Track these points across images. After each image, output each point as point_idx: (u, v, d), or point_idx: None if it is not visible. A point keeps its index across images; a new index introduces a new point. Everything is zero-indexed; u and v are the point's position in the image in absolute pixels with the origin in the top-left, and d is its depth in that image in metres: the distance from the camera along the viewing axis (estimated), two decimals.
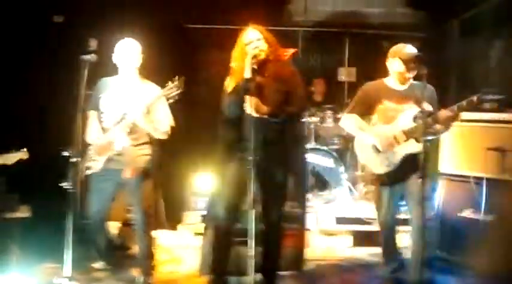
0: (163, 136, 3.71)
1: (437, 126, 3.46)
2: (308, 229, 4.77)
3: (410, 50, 3.53)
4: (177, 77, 3.45)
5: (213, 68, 3.65)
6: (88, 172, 3.70)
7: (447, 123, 3.45)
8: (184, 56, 5.55)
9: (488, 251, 3.72)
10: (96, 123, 3.72)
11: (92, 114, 3.77)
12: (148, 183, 3.72)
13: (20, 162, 3.69)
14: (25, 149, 3.68)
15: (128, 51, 3.66)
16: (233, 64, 3.49)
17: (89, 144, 3.71)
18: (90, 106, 3.78)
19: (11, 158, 3.62)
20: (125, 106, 3.61)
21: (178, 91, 3.46)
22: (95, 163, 3.67)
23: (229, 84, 3.48)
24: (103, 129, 3.69)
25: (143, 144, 3.72)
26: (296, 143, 3.79)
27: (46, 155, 4.11)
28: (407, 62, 3.49)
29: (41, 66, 4.94)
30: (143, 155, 3.72)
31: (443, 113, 3.36)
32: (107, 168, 3.67)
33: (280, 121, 3.41)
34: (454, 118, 3.42)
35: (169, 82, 3.47)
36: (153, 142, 3.76)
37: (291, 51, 5.56)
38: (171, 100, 3.52)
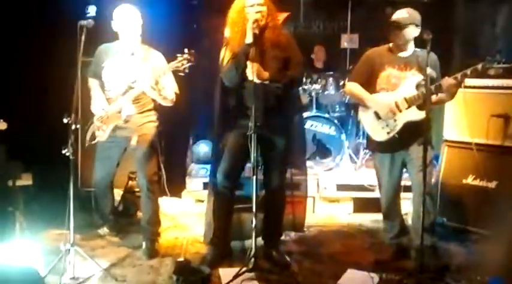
0: (170, 104, 3.70)
1: (442, 95, 3.43)
2: (309, 196, 4.81)
3: (396, 15, 3.46)
4: (186, 50, 3.39)
5: (215, 35, 3.58)
6: (94, 141, 3.71)
7: (450, 91, 3.40)
8: (186, 23, 5.47)
9: (490, 218, 3.74)
10: (100, 92, 3.70)
11: (93, 82, 3.75)
12: (154, 150, 3.73)
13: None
14: (1, 120, 3.65)
15: (130, 18, 3.60)
16: (230, 29, 3.39)
17: (94, 113, 3.71)
18: (91, 73, 3.76)
19: None
20: (131, 75, 3.58)
21: (190, 64, 3.40)
22: (101, 133, 3.67)
23: (226, 53, 3.39)
24: (107, 98, 3.67)
25: (148, 110, 3.73)
26: (295, 109, 3.79)
27: (48, 122, 4.10)
28: (389, 27, 3.45)
29: (39, 33, 4.88)
30: (149, 122, 3.73)
31: (447, 81, 3.32)
32: (113, 136, 3.68)
33: (281, 86, 3.38)
34: (457, 86, 3.37)
35: (179, 55, 3.40)
36: (157, 109, 3.76)
37: (284, 15, 5.46)
38: (181, 74, 3.46)
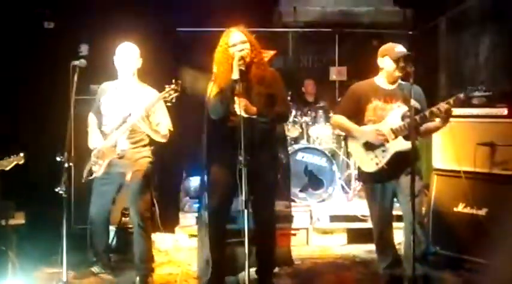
0: (163, 140, 3.76)
1: (437, 122, 3.50)
2: (302, 228, 4.83)
3: (400, 49, 3.56)
4: (174, 80, 3.49)
5: (205, 71, 3.68)
6: (91, 177, 3.74)
7: (447, 116, 3.46)
8: (176, 60, 5.58)
9: (482, 246, 3.76)
10: (96, 129, 3.78)
11: (92, 119, 3.82)
12: (147, 187, 3.76)
13: (17, 166, 3.69)
14: (22, 154, 3.67)
15: (126, 54, 3.70)
16: (216, 67, 3.48)
17: (91, 150, 3.75)
18: (93, 109, 3.85)
19: (7, 163, 3.61)
20: (125, 109, 3.65)
21: (176, 94, 3.50)
22: (97, 168, 3.71)
23: (213, 89, 3.46)
24: (103, 133, 3.73)
25: (143, 146, 3.77)
26: (281, 143, 3.87)
27: (41, 161, 4.13)
28: (397, 61, 3.53)
29: (32, 72, 4.96)
30: (143, 157, 3.76)
31: (442, 107, 3.39)
32: (108, 172, 3.71)
33: (268, 121, 3.45)
34: (440, 115, 3.46)
35: (167, 85, 3.51)
36: (152, 144, 3.81)
37: (271, 53, 5.59)
38: (168, 103, 3.56)
